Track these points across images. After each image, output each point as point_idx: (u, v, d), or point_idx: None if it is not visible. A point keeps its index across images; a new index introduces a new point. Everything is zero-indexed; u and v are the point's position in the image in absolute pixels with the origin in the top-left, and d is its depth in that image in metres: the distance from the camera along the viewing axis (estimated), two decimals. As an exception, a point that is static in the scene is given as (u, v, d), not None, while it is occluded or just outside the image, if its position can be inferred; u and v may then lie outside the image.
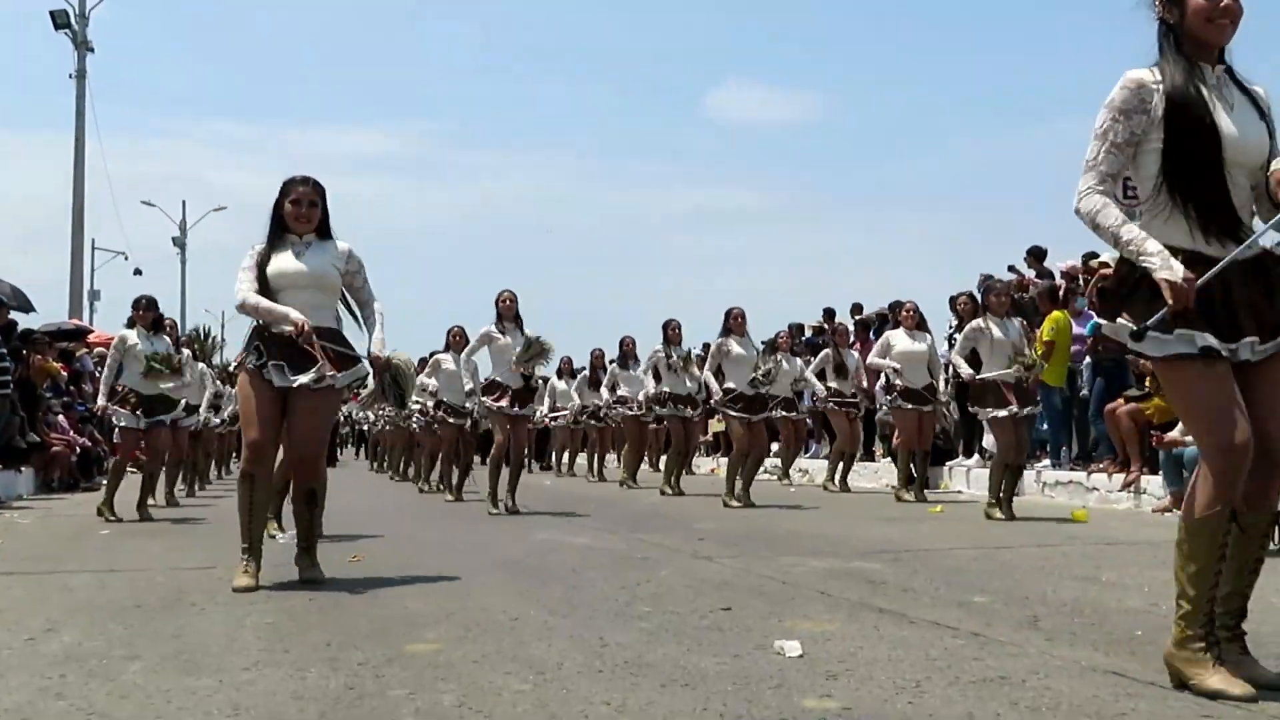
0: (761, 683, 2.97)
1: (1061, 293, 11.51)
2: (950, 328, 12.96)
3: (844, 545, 6.42)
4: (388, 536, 7.38)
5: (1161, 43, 2.99)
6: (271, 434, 5.00)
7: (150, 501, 9.52)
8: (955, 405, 12.23)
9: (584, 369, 17.49)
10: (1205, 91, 2.91)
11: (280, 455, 5.31)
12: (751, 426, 10.25)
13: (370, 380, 5.56)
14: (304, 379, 4.90)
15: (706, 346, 11.92)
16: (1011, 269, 13.45)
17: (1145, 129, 2.94)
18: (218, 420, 13.61)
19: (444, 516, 9.63)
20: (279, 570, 5.09)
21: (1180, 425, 7.14)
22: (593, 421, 16.62)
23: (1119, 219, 2.90)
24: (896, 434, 11.63)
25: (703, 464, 18.09)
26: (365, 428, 27.21)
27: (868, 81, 73.63)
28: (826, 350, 13.00)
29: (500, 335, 9.54)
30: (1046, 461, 11.47)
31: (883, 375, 11.33)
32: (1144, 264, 2.84)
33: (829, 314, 16.89)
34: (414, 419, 15.20)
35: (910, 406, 10.86)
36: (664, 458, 13.88)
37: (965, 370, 8.81)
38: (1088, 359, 10.82)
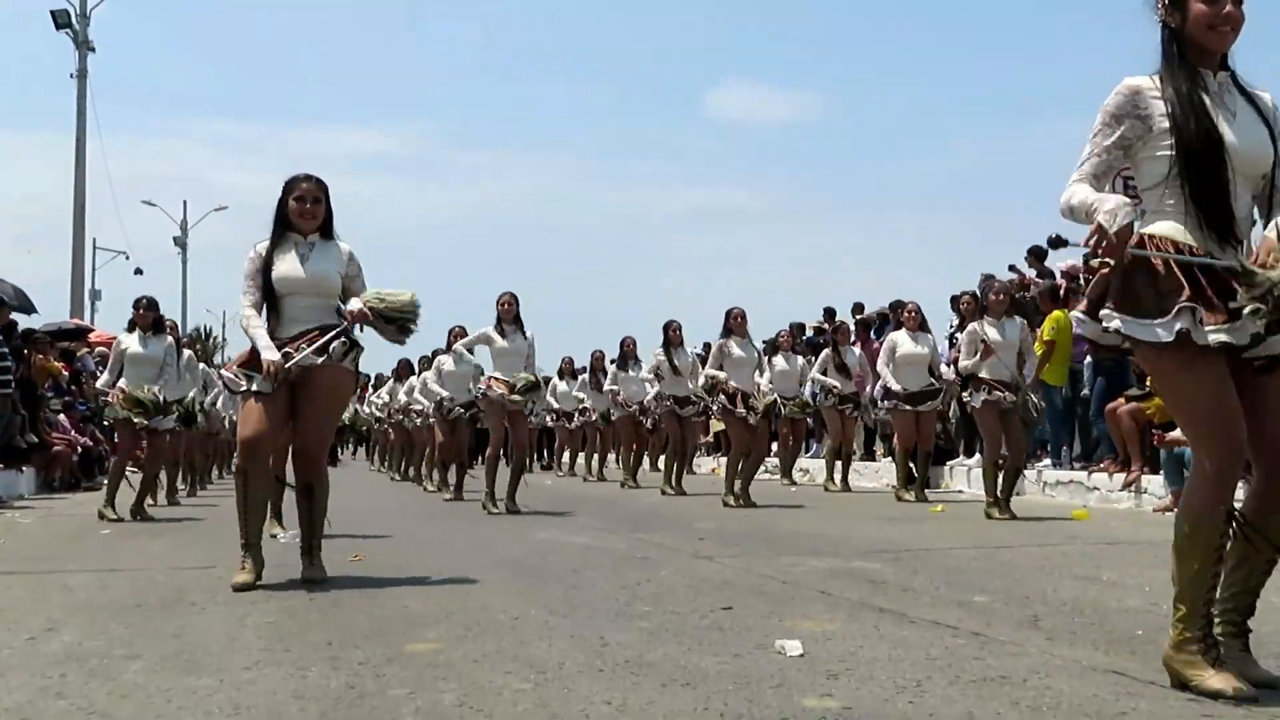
0: (762, 682, 2.97)
1: (1062, 292, 11.51)
2: (951, 327, 12.97)
3: (844, 545, 6.42)
4: (388, 536, 7.39)
5: (1165, 48, 2.99)
6: (267, 431, 4.93)
7: (149, 503, 9.52)
8: (956, 405, 12.22)
9: (585, 369, 17.49)
10: (1208, 100, 2.90)
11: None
12: (750, 426, 10.27)
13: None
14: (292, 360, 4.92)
15: (708, 346, 11.93)
16: (1012, 269, 13.44)
17: (1140, 135, 2.94)
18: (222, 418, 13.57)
19: (444, 516, 9.63)
20: (280, 569, 5.09)
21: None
22: (595, 419, 16.63)
23: (1086, 191, 2.91)
24: (895, 434, 11.63)
25: (703, 464, 18.10)
26: (365, 428, 27.20)
27: (868, 81, 73.78)
28: (827, 350, 12.99)
29: (499, 338, 9.56)
30: (1047, 461, 11.47)
31: (881, 379, 11.34)
32: (1087, 211, 2.83)
33: (829, 313, 16.89)
34: (411, 418, 15.28)
35: (908, 408, 10.86)
36: (664, 458, 13.90)
37: (971, 364, 8.71)
38: (1088, 358, 10.82)
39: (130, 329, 9.10)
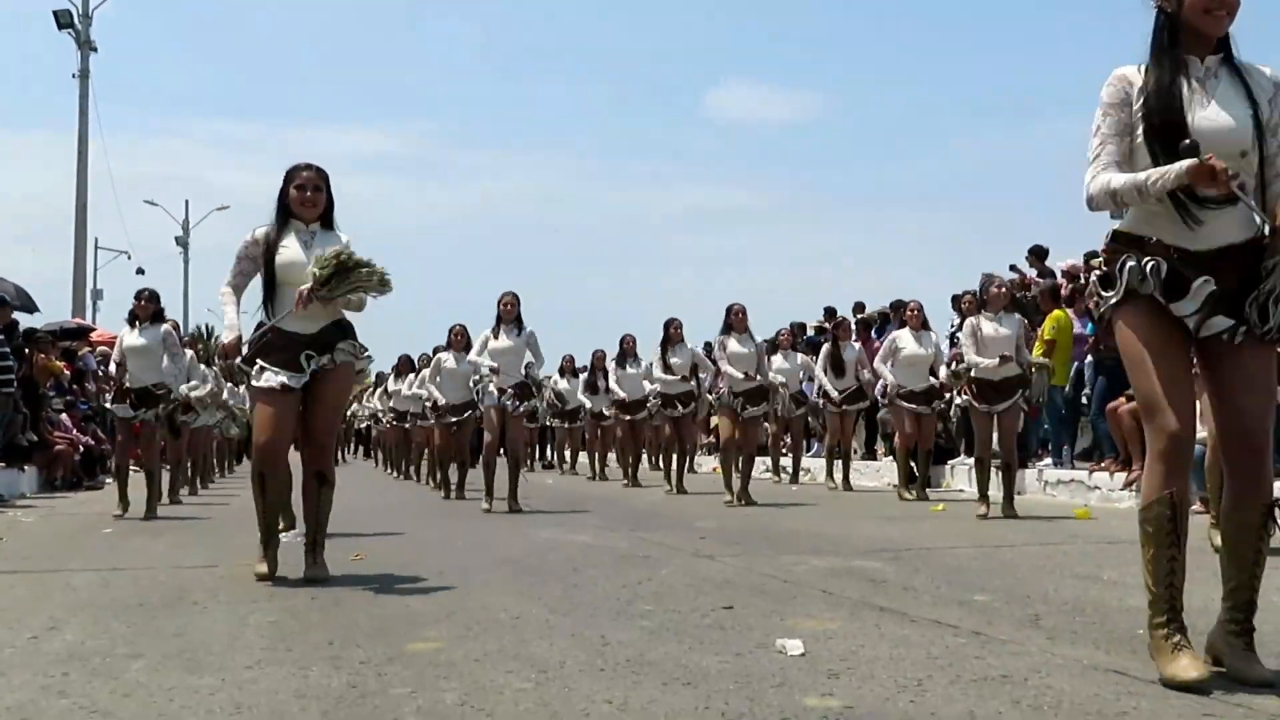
0: (763, 681, 2.97)
1: (1063, 292, 11.50)
2: (953, 326, 12.97)
3: (845, 544, 6.42)
4: (389, 535, 7.39)
5: (1155, 34, 3.03)
6: (283, 435, 5.04)
7: (164, 502, 9.56)
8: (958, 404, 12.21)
9: (585, 369, 17.49)
10: (1184, 85, 2.94)
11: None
12: (741, 423, 10.35)
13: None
14: (289, 378, 4.94)
15: (709, 345, 11.95)
16: (1013, 268, 13.44)
17: (1132, 121, 2.99)
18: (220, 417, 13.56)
19: (445, 515, 9.64)
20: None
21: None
22: (598, 419, 16.63)
23: (1129, 175, 2.93)
24: (896, 433, 11.64)
25: (705, 463, 18.10)
26: (364, 426, 27.22)
27: (868, 81, 73.57)
28: (826, 345, 13.00)
29: (496, 338, 9.62)
30: (1048, 460, 11.47)
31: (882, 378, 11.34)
32: (1174, 179, 2.82)
33: (830, 313, 16.89)
34: (409, 417, 15.32)
35: (909, 407, 10.86)
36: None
37: (986, 362, 8.66)
38: (1089, 358, 10.82)
39: (130, 321, 9.14)
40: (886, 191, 71.27)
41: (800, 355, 13.61)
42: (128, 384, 9.05)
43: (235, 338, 4.98)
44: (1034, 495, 10.64)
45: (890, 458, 13.02)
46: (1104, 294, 3.03)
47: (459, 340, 11.64)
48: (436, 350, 13.06)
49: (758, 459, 11.71)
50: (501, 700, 2.79)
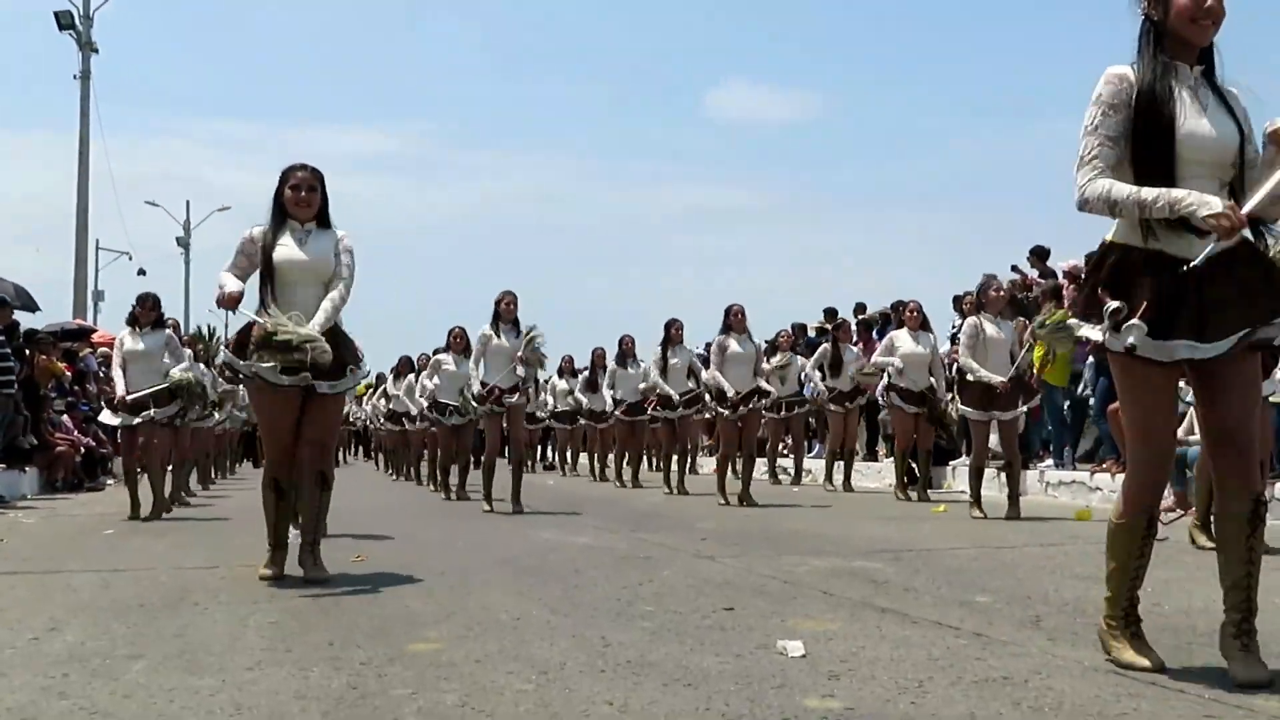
0: (764, 682, 2.97)
1: (1065, 293, 11.49)
2: (954, 327, 12.96)
3: (846, 545, 6.42)
4: (389, 536, 7.38)
5: (1142, 39, 3.04)
6: (290, 443, 5.13)
7: (160, 501, 9.54)
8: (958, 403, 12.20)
9: (585, 369, 17.48)
10: (1177, 90, 2.95)
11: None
12: (740, 425, 10.38)
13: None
14: (289, 380, 4.96)
15: (709, 346, 11.95)
16: (1015, 269, 13.44)
17: (1129, 123, 2.98)
18: (219, 417, 13.55)
19: (445, 516, 9.64)
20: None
21: (1183, 425, 7.14)
22: (593, 421, 16.63)
23: (1132, 188, 2.91)
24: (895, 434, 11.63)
25: (705, 464, 18.09)
26: (362, 426, 27.23)
27: (868, 81, 73.42)
28: (825, 345, 13.00)
29: (496, 336, 9.63)
30: (1050, 461, 11.46)
31: (884, 376, 11.32)
32: (1183, 211, 2.82)
33: (831, 313, 16.88)
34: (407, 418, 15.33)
35: (909, 408, 10.86)
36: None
37: (983, 374, 8.61)
38: (1090, 359, 10.81)
39: (130, 323, 9.14)
40: (887, 191, 71.26)
41: (800, 358, 13.62)
42: (124, 392, 9.04)
43: (239, 289, 4.92)
44: (1035, 496, 10.63)
45: (891, 458, 13.00)
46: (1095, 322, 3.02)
47: (458, 343, 11.65)
48: (436, 352, 13.06)
49: (757, 459, 11.71)
50: (502, 701, 2.79)
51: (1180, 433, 7.92)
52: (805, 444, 15.26)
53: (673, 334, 12.16)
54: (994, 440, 9.32)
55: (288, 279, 5.05)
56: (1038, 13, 68.26)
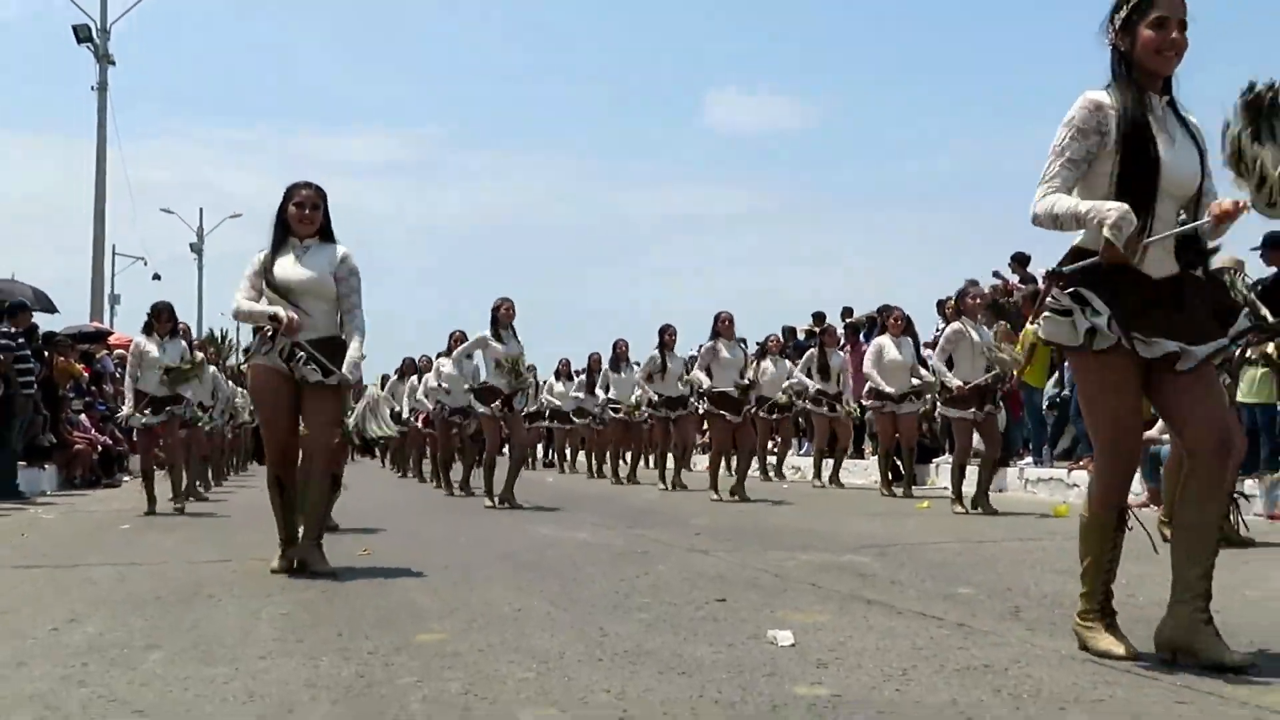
0: (755, 671, 2.98)
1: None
2: (938, 331, 12.98)
3: (834, 540, 6.43)
4: (395, 531, 7.39)
5: (1115, 69, 3.08)
6: (292, 435, 5.19)
7: (191, 498, 9.60)
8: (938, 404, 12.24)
9: (582, 371, 17.50)
10: (1152, 120, 3.00)
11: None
12: (733, 425, 10.44)
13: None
14: (313, 376, 4.99)
15: (701, 348, 11.98)
16: (996, 274, 13.46)
17: (1098, 149, 3.01)
18: (225, 419, 13.57)
19: (448, 512, 9.63)
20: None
21: (1158, 424, 7.16)
22: (590, 422, 16.64)
23: (1073, 201, 2.97)
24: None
25: (700, 462, 18.08)
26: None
27: (867, 85, 73.05)
28: (812, 350, 13.06)
29: (496, 343, 9.65)
30: (1029, 459, 11.48)
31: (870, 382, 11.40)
32: (1103, 218, 2.86)
33: (818, 317, 16.88)
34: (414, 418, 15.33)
35: (891, 409, 10.89)
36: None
37: (952, 381, 8.68)
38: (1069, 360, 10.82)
39: (146, 331, 9.17)
40: (884, 194, 70.94)
41: (788, 362, 13.67)
42: (133, 409, 9.10)
43: (290, 317, 4.96)
44: (1015, 493, 10.65)
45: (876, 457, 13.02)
46: (1057, 321, 3.09)
47: (458, 346, 11.67)
48: (439, 355, 13.07)
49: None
50: (504, 690, 2.80)
51: (1154, 432, 7.95)
52: (796, 442, 15.27)
53: (666, 339, 12.21)
54: (976, 439, 9.33)
55: (287, 294, 5.06)
56: (1029, 23, 68.02)
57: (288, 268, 5.11)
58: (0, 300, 13.56)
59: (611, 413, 14.46)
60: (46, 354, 13.08)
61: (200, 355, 10.66)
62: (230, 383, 13.69)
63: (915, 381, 10.76)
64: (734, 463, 10.99)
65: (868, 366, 11.23)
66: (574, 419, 17.26)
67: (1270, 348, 5.70)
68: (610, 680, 2.88)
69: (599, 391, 15.21)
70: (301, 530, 5.15)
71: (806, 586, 4.53)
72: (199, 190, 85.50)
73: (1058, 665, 3.03)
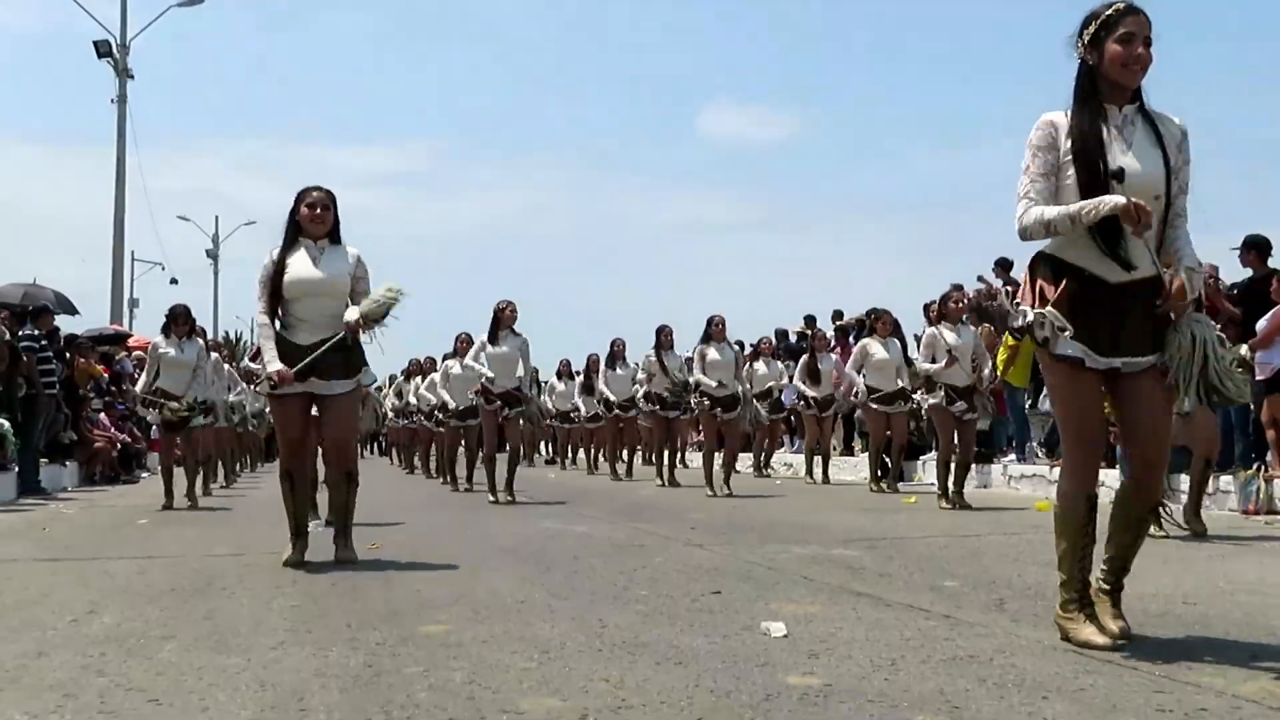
0: (748, 661, 2.97)
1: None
2: (918, 336, 13.01)
3: (825, 534, 6.42)
4: (403, 526, 7.38)
5: (1078, 82, 3.15)
6: (304, 432, 5.23)
7: (200, 493, 9.60)
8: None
9: (580, 371, 17.51)
10: (1106, 132, 3.08)
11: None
12: (722, 424, 10.48)
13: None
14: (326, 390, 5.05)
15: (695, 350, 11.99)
16: (980, 279, 13.44)
17: (1059, 163, 3.11)
18: (237, 418, 13.53)
19: (453, 507, 9.62)
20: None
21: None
22: (588, 422, 16.64)
23: (1062, 206, 3.06)
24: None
25: (695, 458, 18.09)
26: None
27: (857, 97, 72.90)
28: (805, 356, 13.07)
29: (494, 344, 9.67)
30: (1012, 455, 11.47)
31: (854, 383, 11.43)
32: (1105, 211, 2.95)
33: (810, 320, 16.88)
34: (418, 417, 15.34)
35: (880, 408, 10.89)
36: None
37: (934, 368, 8.70)
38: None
39: (165, 333, 9.17)
40: (875, 201, 70.78)
41: (779, 363, 13.66)
42: (143, 388, 9.15)
43: (283, 370, 5.02)
44: (999, 489, 10.64)
45: (866, 454, 13.02)
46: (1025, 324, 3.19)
47: (464, 348, 11.67)
48: (446, 357, 13.08)
49: (742, 454, 11.80)
50: (507, 679, 2.79)
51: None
52: (787, 440, 15.27)
53: (663, 339, 12.22)
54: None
55: (302, 293, 5.08)
56: (1013, 38, 67.87)
57: (304, 267, 5.11)
58: (24, 304, 13.57)
59: (605, 409, 14.46)
60: (68, 355, 13.08)
61: (214, 356, 10.67)
62: (242, 383, 13.66)
63: (901, 383, 10.76)
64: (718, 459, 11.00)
65: (848, 368, 11.26)
66: (573, 418, 17.26)
67: (1244, 349, 5.69)
68: (609, 670, 2.87)
69: (602, 387, 15.21)
70: (314, 524, 5.17)
71: (798, 579, 4.52)
72: (214, 199, 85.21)
73: (1040, 655, 3.02)
